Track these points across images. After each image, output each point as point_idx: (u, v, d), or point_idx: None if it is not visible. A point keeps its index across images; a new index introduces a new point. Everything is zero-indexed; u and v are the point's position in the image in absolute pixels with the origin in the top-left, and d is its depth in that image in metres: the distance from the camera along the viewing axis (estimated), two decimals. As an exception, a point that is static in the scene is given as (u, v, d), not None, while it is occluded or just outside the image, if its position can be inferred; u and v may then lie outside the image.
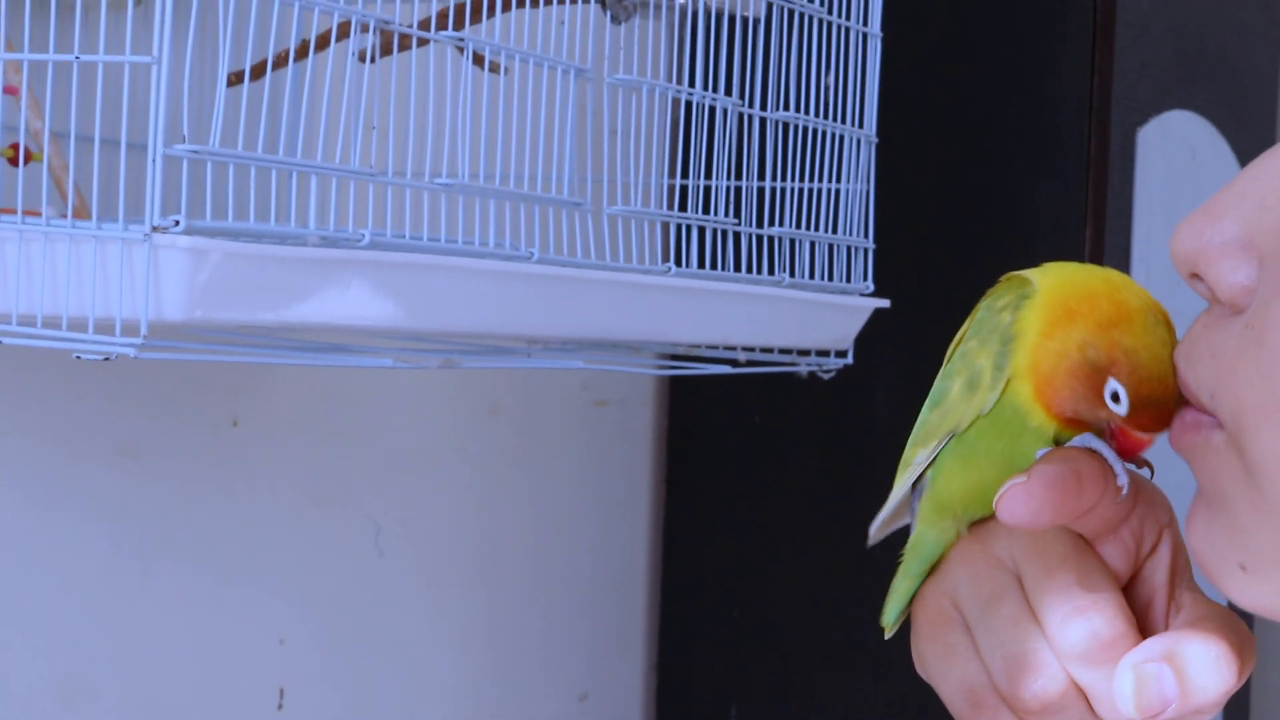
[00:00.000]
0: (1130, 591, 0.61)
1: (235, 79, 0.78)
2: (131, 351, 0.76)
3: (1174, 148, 1.69)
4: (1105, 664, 0.58)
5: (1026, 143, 1.61)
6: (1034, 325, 0.61)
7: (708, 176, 1.10)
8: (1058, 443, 0.62)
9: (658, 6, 1.04)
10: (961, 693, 0.61)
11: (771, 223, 1.14)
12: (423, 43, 0.86)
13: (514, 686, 1.70)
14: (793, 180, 1.14)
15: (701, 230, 1.08)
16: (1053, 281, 0.62)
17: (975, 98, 1.65)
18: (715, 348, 1.18)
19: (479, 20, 0.90)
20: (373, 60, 0.85)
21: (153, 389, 1.32)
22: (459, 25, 0.88)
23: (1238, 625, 0.60)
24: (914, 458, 0.66)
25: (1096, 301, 0.60)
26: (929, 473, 0.65)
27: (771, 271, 1.13)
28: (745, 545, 1.78)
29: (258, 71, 0.81)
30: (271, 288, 0.79)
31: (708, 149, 1.08)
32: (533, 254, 0.93)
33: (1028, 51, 1.63)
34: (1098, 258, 1.58)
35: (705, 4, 1.07)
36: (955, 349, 0.65)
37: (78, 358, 0.77)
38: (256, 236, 0.80)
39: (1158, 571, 0.62)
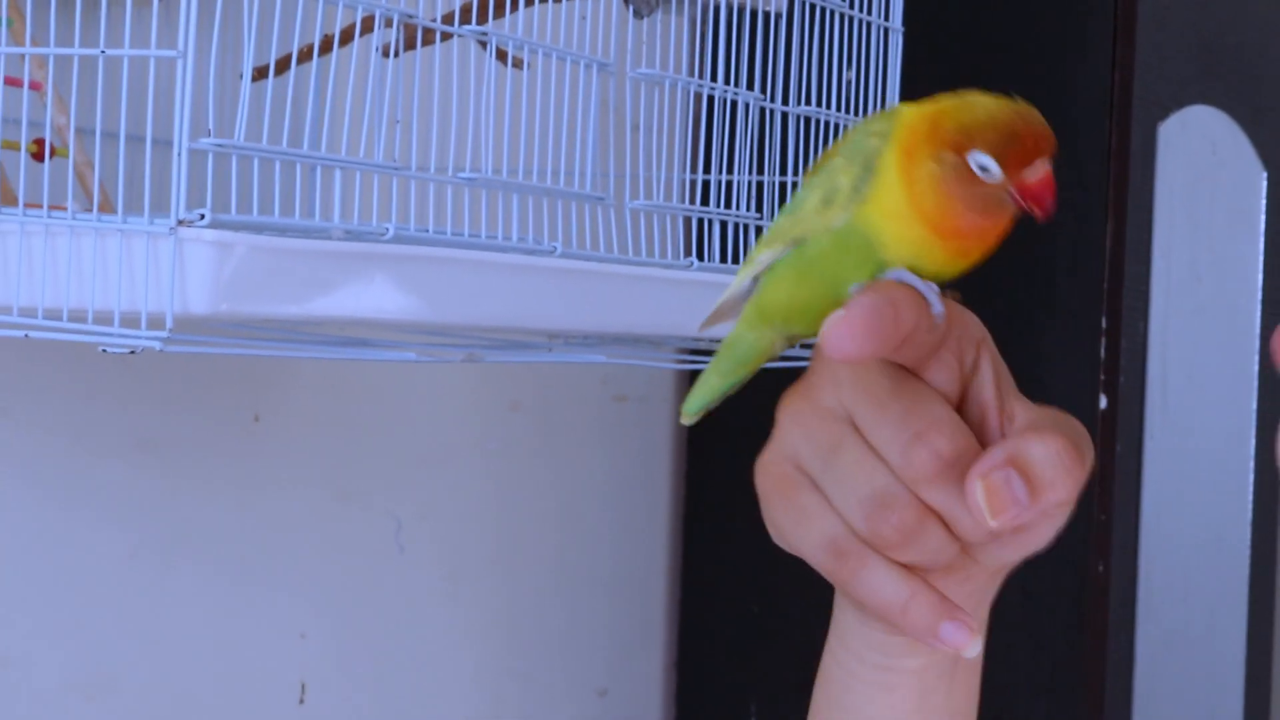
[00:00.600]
0: (960, 412, 0.62)
1: (259, 74, 0.79)
2: (157, 345, 0.76)
3: (1195, 143, 1.69)
4: (954, 482, 0.59)
5: (1056, 133, 1.61)
6: (894, 159, 0.62)
7: (729, 171, 1.10)
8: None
9: (679, 1, 1.05)
10: (823, 548, 0.61)
11: (793, 217, 1.14)
12: (445, 37, 0.86)
13: (533, 682, 1.70)
14: (814, 175, 1.14)
15: (723, 225, 1.08)
16: (914, 110, 0.63)
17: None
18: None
19: (501, 15, 0.90)
20: (395, 55, 0.86)
21: (175, 384, 1.32)
22: (482, 20, 0.88)
23: (1072, 422, 0.61)
24: (758, 255, 0.65)
25: (943, 113, 0.62)
26: (762, 276, 0.65)
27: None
28: (765, 541, 1.77)
29: (282, 66, 0.81)
30: (296, 281, 0.80)
31: (729, 144, 1.08)
32: (555, 248, 0.94)
33: (1048, 46, 1.63)
34: (1118, 253, 1.58)
35: (727, -1, 1.07)
36: (825, 160, 0.65)
37: (103, 351, 0.77)
38: (281, 230, 0.80)
39: (984, 389, 0.62)
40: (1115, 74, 1.58)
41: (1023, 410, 0.62)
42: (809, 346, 1.21)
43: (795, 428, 0.62)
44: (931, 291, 0.61)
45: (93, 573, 1.28)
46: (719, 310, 0.69)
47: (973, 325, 0.63)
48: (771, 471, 0.63)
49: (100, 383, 1.27)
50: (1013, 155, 0.61)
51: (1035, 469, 0.58)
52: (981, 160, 0.61)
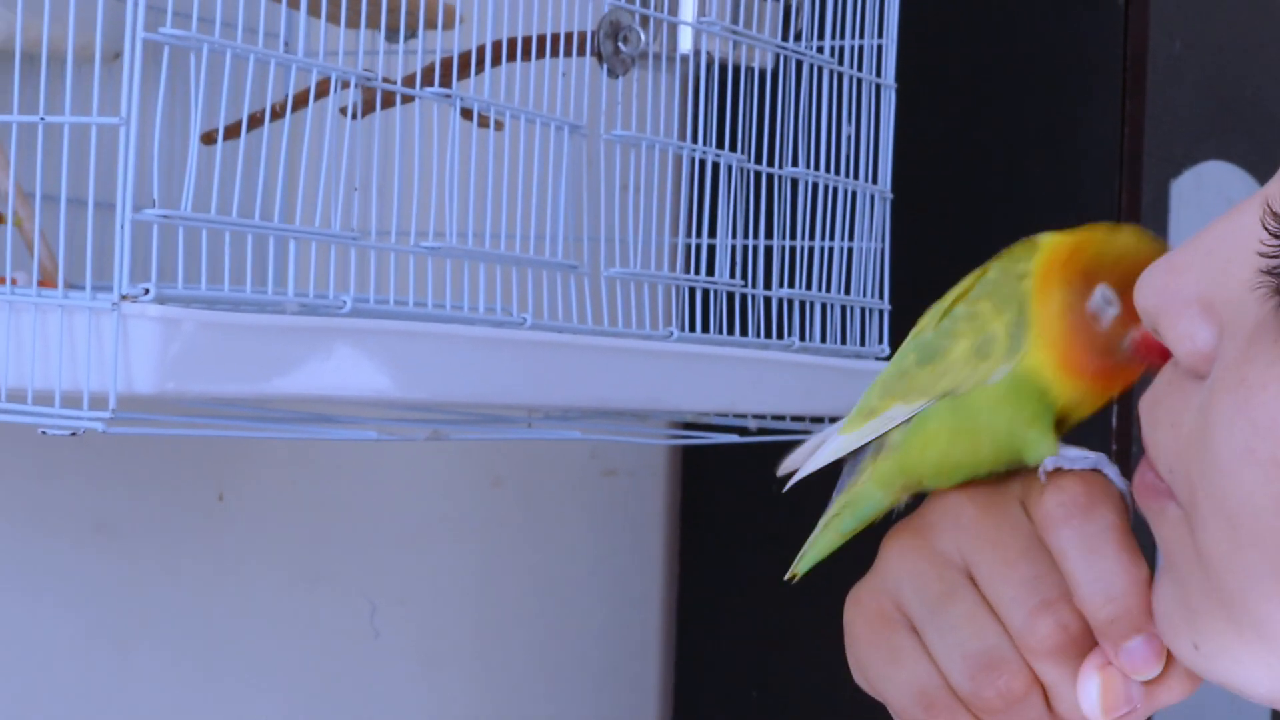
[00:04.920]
0: None
1: (209, 139, 0.79)
2: (100, 426, 0.76)
3: (1210, 200, 1.69)
4: (1073, 659, 0.58)
5: (1054, 197, 1.61)
6: (1042, 298, 0.62)
7: (713, 235, 1.10)
8: (1060, 425, 0.62)
9: (657, 58, 1.05)
10: (912, 696, 0.60)
11: (781, 283, 1.14)
12: (408, 100, 0.87)
13: (518, 774, 1.70)
14: (804, 239, 1.14)
15: (707, 292, 1.08)
16: (1056, 238, 0.63)
17: (1000, 151, 1.65)
18: (724, 415, 1.17)
19: (466, 76, 0.90)
20: (355, 117, 0.86)
21: (134, 462, 1.32)
22: (447, 80, 0.88)
23: None
24: (886, 409, 0.65)
25: (1087, 239, 0.62)
26: (895, 432, 0.65)
27: (781, 335, 1.13)
28: (762, 621, 1.77)
29: (233, 131, 0.81)
30: (248, 358, 0.79)
31: (712, 206, 1.08)
32: (525, 320, 0.93)
33: (1055, 102, 1.63)
34: (1131, 317, 1.58)
35: (708, 54, 1.07)
36: (953, 304, 0.65)
37: (43, 433, 0.77)
38: (233, 304, 0.80)
39: None
40: (1125, 129, 1.59)
41: None
42: (798, 419, 1.21)
43: (902, 565, 0.62)
44: (1120, 479, 0.61)
45: (46, 661, 1.28)
46: (813, 460, 0.68)
47: None
48: (867, 605, 0.63)
49: (53, 461, 1.26)
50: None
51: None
52: (1106, 294, 0.60)
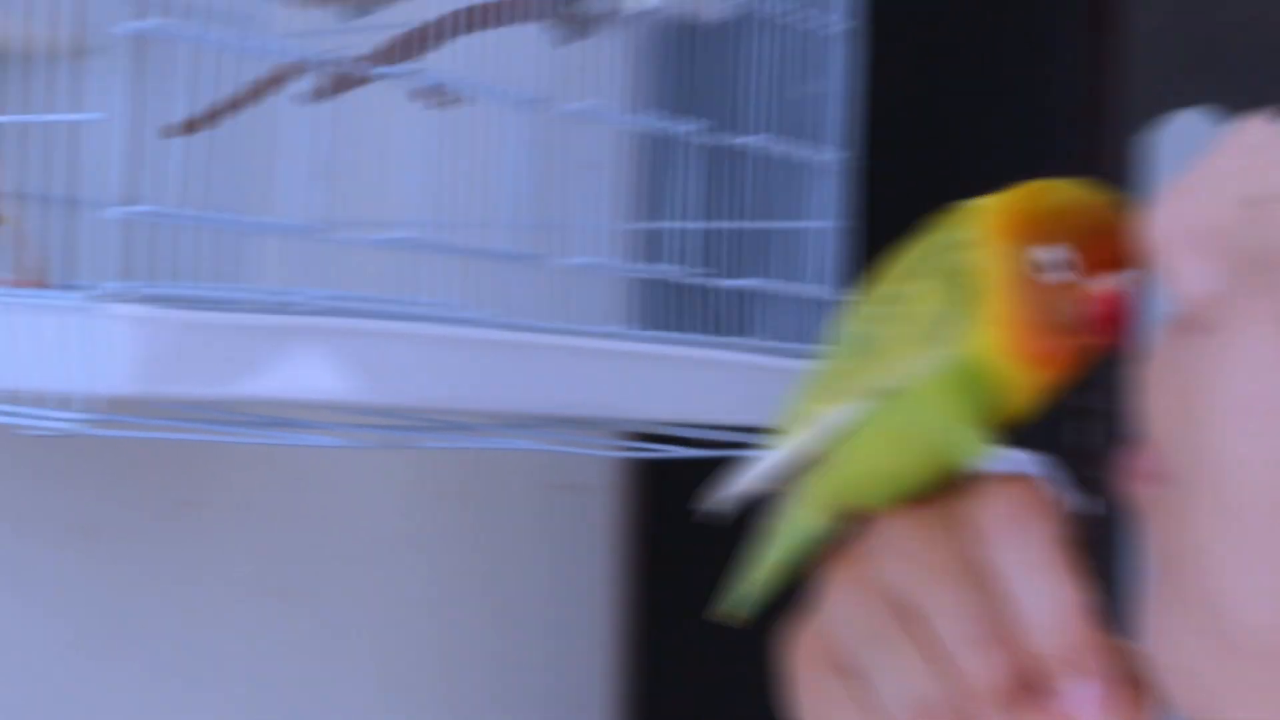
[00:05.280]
0: None
1: (185, 128, 0.85)
2: (73, 427, 0.82)
3: (1190, 153, 1.73)
4: (1016, 700, 0.60)
5: (1022, 152, 1.67)
6: (982, 259, 0.60)
7: (671, 219, 1.14)
8: (999, 427, 0.62)
9: (611, 18, 1.07)
10: None
11: (737, 272, 1.18)
12: (367, 80, 0.92)
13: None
14: (759, 220, 1.19)
15: (665, 282, 1.13)
16: (994, 200, 0.61)
17: (965, 108, 1.72)
18: (683, 427, 1.20)
19: (422, 54, 0.96)
20: (313, 101, 0.92)
21: (108, 464, 1.40)
22: (404, 57, 0.94)
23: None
24: (810, 415, 0.62)
25: (1029, 203, 0.60)
26: (819, 443, 0.62)
27: (740, 331, 1.17)
28: (725, 640, 1.81)
29: (206, 120, 0.88)
30: (218, 358, 0.86)
31: (674, 185, 1.12)
32: (480, 316, 0.99)
33: (1018, 52, 1.69)
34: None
35: (659, 9, 1.11)
36: (889, 287, 0.63)
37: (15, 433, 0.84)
38: (192, 302, 0.87)
39: None
40: (1091, 79, 1.65)
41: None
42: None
43: (842, 603, 0.63)
44: (1056, 483, 0.61)
45: (17, 664, 1.36)
46: (735, 487, 0.66)
47: None
48: (804, 646, 0.64)
49: (26, 463, 1.34)
50: (1093, 253, 0.58)
51: None
52: (1062, 255, 0.59)
